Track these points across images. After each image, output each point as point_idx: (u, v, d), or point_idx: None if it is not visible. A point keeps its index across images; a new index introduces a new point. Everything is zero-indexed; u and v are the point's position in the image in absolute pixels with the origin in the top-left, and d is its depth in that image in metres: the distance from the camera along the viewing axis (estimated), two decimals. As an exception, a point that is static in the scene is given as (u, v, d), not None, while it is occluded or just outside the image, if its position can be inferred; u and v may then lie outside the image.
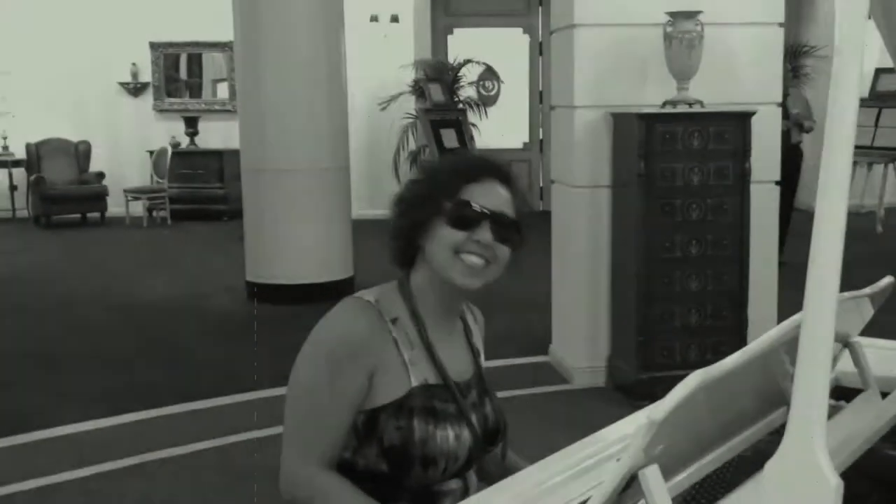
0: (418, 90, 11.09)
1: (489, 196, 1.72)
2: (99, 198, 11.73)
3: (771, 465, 0.77)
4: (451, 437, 1.67)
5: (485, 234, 1.69)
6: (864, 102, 10.27)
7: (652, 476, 1.08)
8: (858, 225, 10.14)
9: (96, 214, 11.77)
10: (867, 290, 1.54)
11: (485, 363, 1.90)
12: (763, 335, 1.20)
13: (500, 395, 5.18)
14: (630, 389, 4.60)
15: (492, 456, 1.84)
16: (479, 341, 1.90)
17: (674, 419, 1.06)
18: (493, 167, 1.78)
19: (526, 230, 1.77)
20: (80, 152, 11.91)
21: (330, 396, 1.66)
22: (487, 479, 1.88)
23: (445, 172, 1.77)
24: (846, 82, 0.79)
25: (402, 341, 1.70)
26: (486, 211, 1.70)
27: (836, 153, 0.75)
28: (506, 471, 1.86)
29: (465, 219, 1.69)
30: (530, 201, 1.92)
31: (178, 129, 12.11)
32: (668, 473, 1.21)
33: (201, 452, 4.17)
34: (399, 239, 1.79)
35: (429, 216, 1.72)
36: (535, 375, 5.21)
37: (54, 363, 5.67)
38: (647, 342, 4.59)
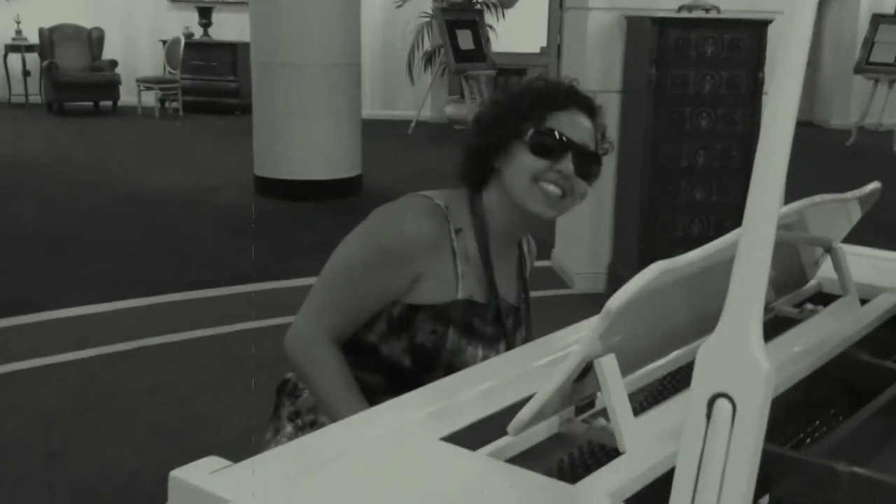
0: (436, -12, 10.89)
1: (574, 126, 1.67)
2: (111, 86, 11.65)
3: (704, 348, 0.76)
4: (480, 356, 1.69)
5: (567, 164, 1.65)
6: (887, 19, 10.02)
7: (608, 365, 1.09)
8: (875, 143, 10.03)
9: (108, 103, 11.71)
10: (852, 194, 1.52)
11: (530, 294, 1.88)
12: (732, 232, 1.19)
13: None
14: (629, 297, 4.61)
15: None
16: (528, 272, 1.88)
17: (634, 309, 1.06)
18: (580, 97, 1.72)
19: (602, 166, 1.72)
20: (94, 39, 11.79)
21: (364, 284, 1.66)
22: None
23: (530, 96, 1.71)
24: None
25: (461, 253, 1.69)
26: (570, 141, 1.65)
27: (790, 47, 0.73)
28: None
29: (549, 147, 1.65)
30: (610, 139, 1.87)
31: (191, 19, 11.95)
32: (631, 365, 1.21)
33: (200, 340, 4.23)
34: (473, 159, 1.74)
35: (509, 139, 1.68)
36: (537, 279, 5.19)
37: (61, 248, 5.73)
38: (648, 250, 4.58)
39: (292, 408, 1.77)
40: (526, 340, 1.82)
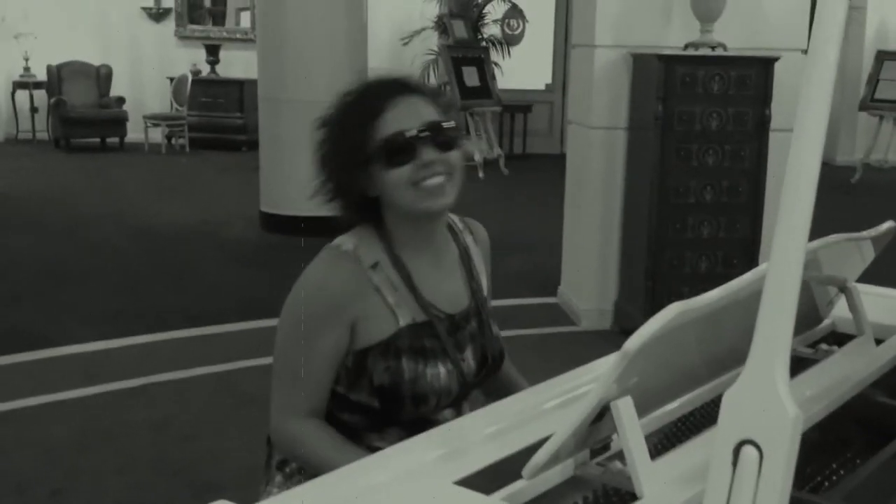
0: (441, 26, 10.98)
1: (409, 115, 1.61)
2: (119, 123, 11.71)
3: (730, 394, 0.75)
4: (443, 374, 1.65)
5: (428, 152, 1.59)
6: (892, 56, 10.03)
7: (624, 408, 1.07)
8: (881, 179, 10.03)
9: (115, 139, 11.76)
10: (867, 233, 1.50)
11: (488, 291, 1.81)
12: (749, 272, 1.18)
13: (507, 334, 5.17)
14: (636, 333, 4.58)
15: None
16: (480, 263, 1.81)
17: (649, 351, 1.04)
18: (393, 85, 1.65)
19: (458, 120, 1.66)
20: (101, 76, 11.87)
21: (307, 355, 1.63)
22: (490, 395, 1.87)
23: (351, 119, 1.64)
24: (830, 16, 0.75)
25: (385, 286, 1.64)
26: (414, 130, 1.59)
27: (814, 91, 0.72)
28: (504, 384, 1.86)
29: (401, 151, 1.58)
30: (451, 100, 1.82)
31: (199, 56, 12.03)
32: (646, 407, 1.20)
33: (205, 377, 4.20)
34: (348, 206, 1.69)
35: (364, 170, 1.61)
36: (543, 316, 5.20)
37: (67, 282, 5.72)
38: (655, 287, 4.56)
39: (279, 457, 1.75)
40: (494, 338, 1.77)
